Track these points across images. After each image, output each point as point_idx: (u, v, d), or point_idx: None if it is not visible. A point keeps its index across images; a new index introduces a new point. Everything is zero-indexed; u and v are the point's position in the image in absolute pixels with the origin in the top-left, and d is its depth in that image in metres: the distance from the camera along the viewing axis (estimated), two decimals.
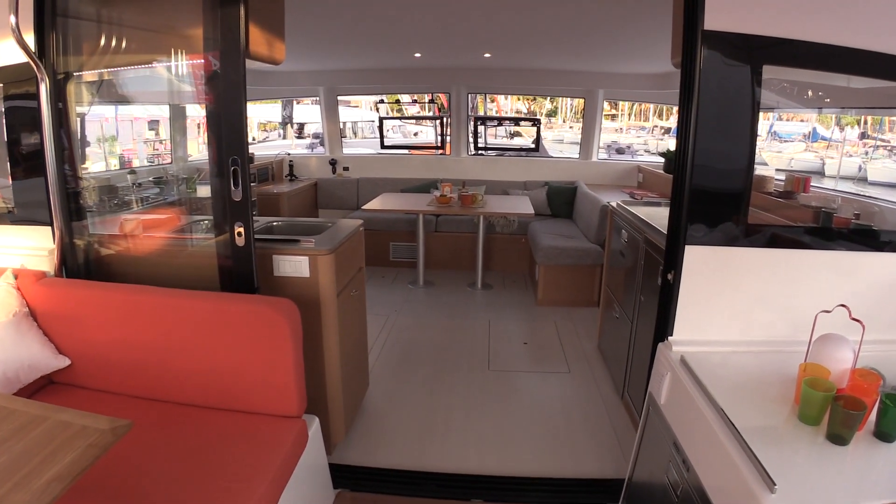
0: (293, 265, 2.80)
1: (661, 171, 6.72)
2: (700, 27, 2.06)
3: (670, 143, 27.62)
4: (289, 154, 7.69)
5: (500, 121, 7.89)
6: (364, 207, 5.70)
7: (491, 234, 6.61)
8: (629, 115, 39.56)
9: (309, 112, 17.37)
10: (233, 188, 2.46)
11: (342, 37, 4.88)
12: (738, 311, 2.30)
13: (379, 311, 5.40)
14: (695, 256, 2.25)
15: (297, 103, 15.40)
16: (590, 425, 3.55)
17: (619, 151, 13.27)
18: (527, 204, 6.06)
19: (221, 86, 2.39)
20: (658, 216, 3.79)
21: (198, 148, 5.17)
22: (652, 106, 26.07)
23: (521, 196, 6.75)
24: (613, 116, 40.93)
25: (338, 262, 2.89)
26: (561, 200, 6.94)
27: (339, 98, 7.68)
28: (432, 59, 6.08)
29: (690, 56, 2.16)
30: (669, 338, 2.37)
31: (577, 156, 7.68)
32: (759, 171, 2.20)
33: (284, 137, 20.41)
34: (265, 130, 28.07)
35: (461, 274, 6.62)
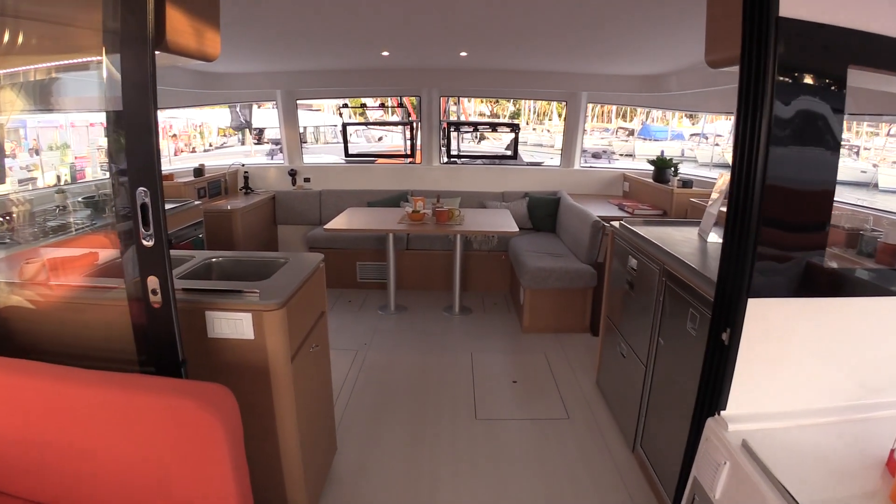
0: (232, 325, 2.15)
1: (650, 180, 6.23)
2: (773, 13, 1.51)
3: (637, 146, 27.54)
4: (243, 165, 6.96)
5: (476, 126, 7.26)
6: (327, 227, 5.04)
7: (468, 251, 6.02)
8: (592, 116, 39.73)
9: (268, 116, 16.56)
10: (142, 230, 1.80)
11: (301, 33, 4.23)
12: (812, 374, 1.81)
13: (346, 344, 4.75)
14: (760, 311, 1.70)
15: (259, 107, 14.58)
16: (600, 488, 3.00)
17: (596, 156, 12.88)
18: (508, 219, 5.47)
19: (123, 89, 1.73)
20: (672, 240, 3.27)
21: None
22: (615, 107, 25.94)
23: (500, 209, 6.17)
24: None
25: (291, 317, 2.25)
26: (543, 213, 6.38)
27: (300, 102, 7.00)
28: (401, 59, 5.43)
29: (758, 50, 1.60)
30: (722, 412, 1.83)
31: (558, 163, 7.14)
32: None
33: (243, 143, 19.55)
34: (224, 136, 27.06)
35: (436, 296, 6.01)
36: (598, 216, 5.18)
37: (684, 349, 2.63)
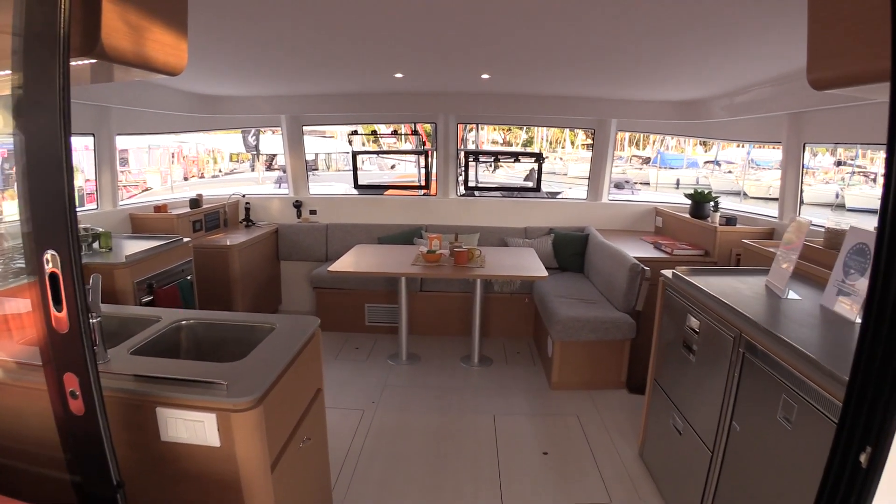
0: (191, 428, 1.59)
1: (686, 216, 5.65)
2: None
3: (650, 173, 26.98)
4: (244, 195, 6.46)
5: (497, 156, 6.72)
6: (332, 269, 4.50)
7: (488, 294, 5.45)
8: None
9: (278, 142, 16.07)
10: (53, 310, 1.26)
11: (307, 54, 3.73)
12: None
13: (351, 402, 4.18)
14: None
15: (270, 132, 14.18)
16: None
17: (618, 187, 12.33)
18: (535, 260, 4.91)
19: (22, 109, 1.20)
20: (741, 297, 2.76)
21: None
22: (628, 135, 25.52)
23: (524, 248, 5.60)
24: (590, 146, 40.89)
25: (272, 415, 1.69)
26: (570, 251, 5.81)
27: (309, 128, 6.52)
28: (416, 82, 4.92)
29: None
30: None
31: (573, 191, 6.58)
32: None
33: (253, 169, 19.21)
34: (237, 161, 26.77)
35: (452, 342, 5.43)
36: (635, 258, 4.62)
37: (773, 443, 2.08)
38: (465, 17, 2.84)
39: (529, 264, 4.78)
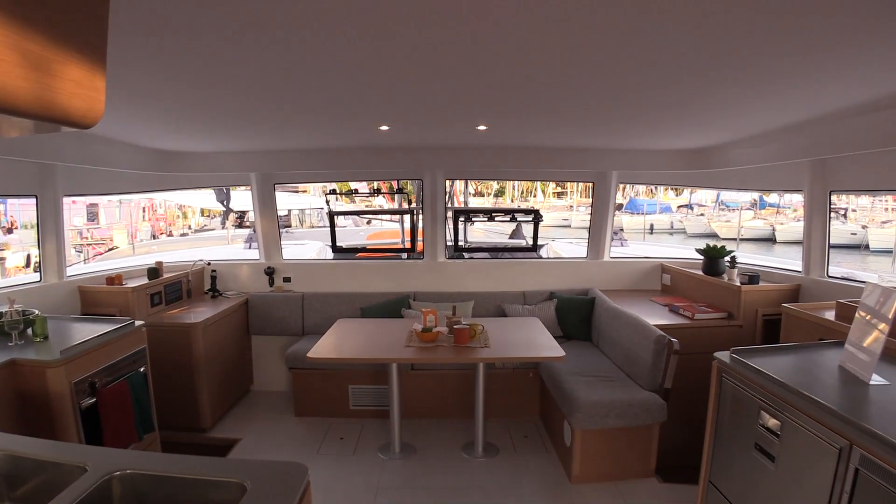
0: None
1: (697, 272, 5.17)
2: None
3: (623, 219, 26.93)
4: (209, 263, 5.79)
5: (491, 214, 6.18)
6: (311, 356, 3.84)
7: (488, 370, 4.82)
8: (576, 191, 39.71)
9: (248, 198, 15.37)
10: None
11: (280, 103, 3.18)
12: None
13: None
14: None
15: (235, 189, 13.48)
16: None
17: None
18: (544, 335, 4.32)
19: None
20: (822, 385, 2.27)
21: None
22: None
23: (527, 318, 4.99)
24: (561, 194, 41.18)
25: None
26: (575, 318, 5.24)
27: (281, 185, 5.94)
28: (403, 134, 4.37)
29: None
30: None
31: (585, 255, 6.06)
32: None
33: (224, 227, 18.46)
34: (208, 216, 25.92)
35: (450, 427, 4.77)
36: (655, 325, 4.09)
37: None
38: (462, 63, 2.34)
39: (540, 340, 4.18)
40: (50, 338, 3.28)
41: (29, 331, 3.31)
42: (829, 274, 4.41)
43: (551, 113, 3.47)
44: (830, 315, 3.48)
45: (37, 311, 3.43)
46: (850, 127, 3.58)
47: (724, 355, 2.80)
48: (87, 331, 3.35)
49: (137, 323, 3.61)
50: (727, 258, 4.98)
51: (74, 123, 1.02)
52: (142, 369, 3.57)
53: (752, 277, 4.64)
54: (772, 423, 2.37)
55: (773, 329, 4.42)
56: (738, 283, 4.62)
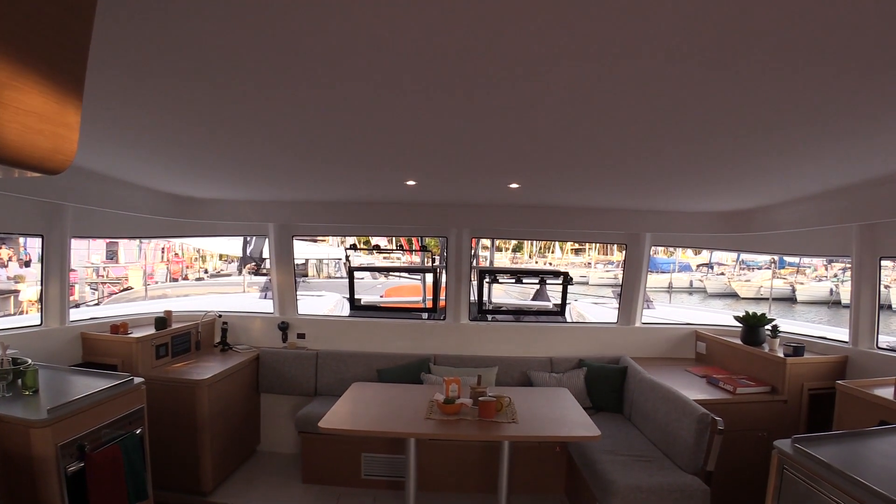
0: None
1: (735, 341, 4.84)
2: None
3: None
4: (220, 315, 5.57)
5: (518, 275, 5.91)
6: (323, 426, 3.53)
7: (513, 443, 4.47)
8: (594, 248, 39.51)
9: (266, 245, 15.09)
10: None
11: (305, 153, 3.01)
12: None
13: None
14: None
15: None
16: None
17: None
18: (577, 410, 3.96)
19: None
20: None
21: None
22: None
23: (556, 389, 4.64)
24: (579, 250, 40.99)
25: None
26: (606, 388, 4.90)
27: (299, 237, 5.75)
28: (431, 190, 4.17)
29: None
30: None
31: (616, 321, 5.74)
32: None
33: (240, 273, 18.36)
34: (226, 261, 25.89)
35: (471, 502, 4.40)
36: (694, 400, 3.77)
37: None
38: (503, 118, 2.15)
39: (572, 415, 3.84)
40: (41, 391, 3.04)
41: (20, 381, 3.08)
42: (879, 345, 4.10)
43: (587, 171, 3.26)
44: (887, 392, 3.17)
45: (30, 361, 3.19)
46: None
47: (784, 444, 2.47)
48: (82, 385, 3.12)
49: (137, 380, 3.35)
50: (768, 327, 4.66)
51: (33, 166, 0.80)
52: (138, 431, 3.28)
53: (797, 349, 4.31)
54: None
55: (820, 405, 4.10)
56: (783, 355, 4.29)
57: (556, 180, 3.65)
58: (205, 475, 4.39)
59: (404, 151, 2.83)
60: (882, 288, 4.16)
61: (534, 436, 3.59)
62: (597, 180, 3.58)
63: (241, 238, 13.18)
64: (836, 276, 26.52)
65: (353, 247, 5.73)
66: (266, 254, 14.45)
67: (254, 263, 17.32)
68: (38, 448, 2.64)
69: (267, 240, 5.68)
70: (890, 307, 18.24)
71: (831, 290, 24.31)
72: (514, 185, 3.84)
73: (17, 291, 14.39)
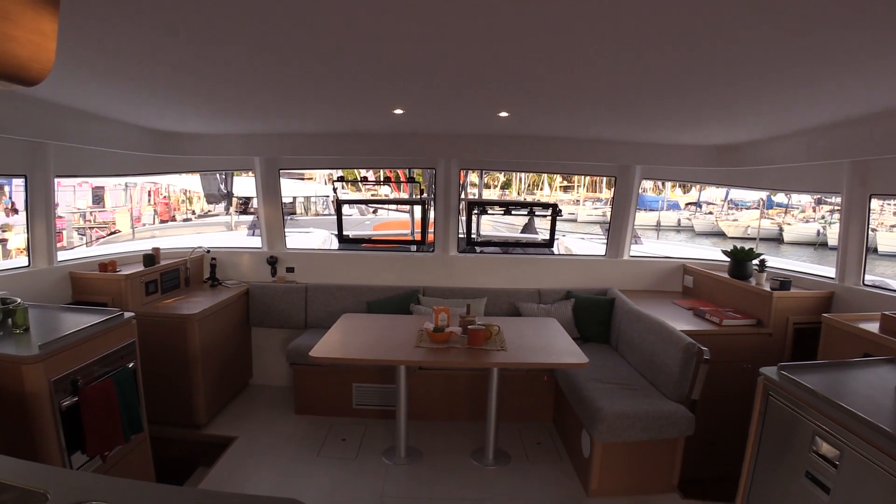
0: None
1: (723, 275, 4.89)
2: None
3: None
4: (209, 251, 5.54)
5: (508, 207, 5.87)
6: (313, 355, 3.57)
7: (501, 372, 4.55)
8: (582, 185, 39.43)
9: (252, 184, 14.77)
10: None
11: (288, 83, 2.92)
12: None
13: None
14: None
15: (239, 175, 13.16)
16: None
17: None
18: (565, 339, 4.04)
19: None
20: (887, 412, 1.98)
21: None
22: (605, 179, 25.08)
23: (545, 319, 4.71)
24: (567, 188, 40.92)
25: None
26: (593, 319, 4.97)
27: (286, 172, 5.66)
28: (419, 119, 4.08)
29: None
30: None
31: (603, 253, 5.77)
32: None
33: (228, 213, 18.21)
34: (213, 202, 25.59)
35: (459, 430, 4.53)
36: (681, 331, 3.84)
37: None
38: (490, 42, 2.08)
39: (560, 344, 3.91)
40: (31, 329, 3.02)
41: (10, 321, 3.06)
42: (866, 282, 4.14)
43: (579, 96, 3.17)
44: (872, 327, 3.21)
45: (19, 300, 3.16)
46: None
47: (770, 371, 2.52)
48: (73, 322, 3.09)
49: (127, 314, 3.34)
50: (756, 261, 4.71)
51: (10, 75, 0.76)
52: (130, 365, 3.30)
53: (784, 283, 4.36)
54: (827, 450, 2.10)
55: (805, 339, 4.16)
56: (769, 289, 4.34)
57: (546, 109, 3.58)
58: (198, 408, 4.46)
59: (392, 76, 2.74)
60: (869, 231, 4.17)
61: (523, 363, 3.68)
62: (587, 107, 3.50)
63: (203, 178, 13.01)
64: (823, 217, 26.69)
65: (340, 178, 5.64)
66: (239, 191, 14.31)
67: (240, 202, 17.16)
68: (30, 384, 2.63)
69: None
70: (876, 251, 18.46)
71: (818, 232, 24.50)
72: (503, 114, 3.77)
73: (4, 241, 14.17)
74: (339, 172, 5.74)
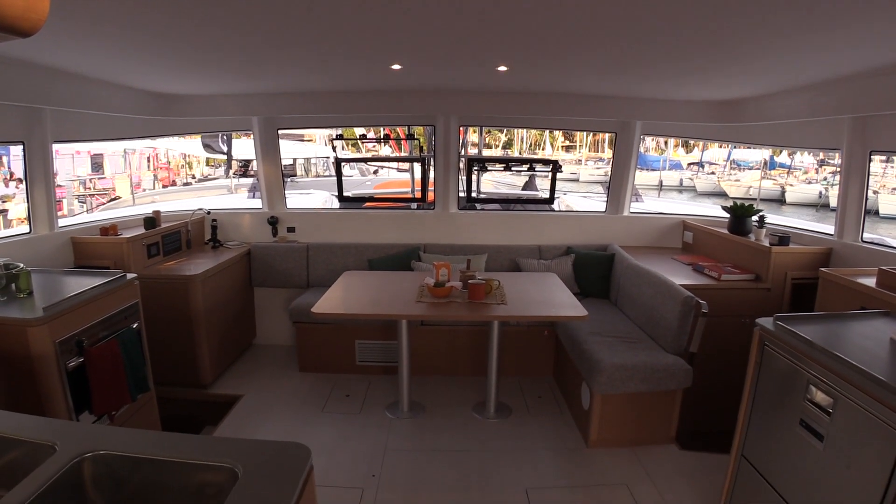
0: None
1: (723, 231, 4.90)
2: None
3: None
4: (209, 212, 5.53)
5: (508, 164, 5.82)
6: (315, 311, 3.61)
7: (502, 327, 4.60)
8: (584, 145, 39.07)
9: (251, 146, 14.57)
10: None
11: (284, 41, 2.87)
12: None
13: (347, 477, 3.36)
14: None
15: (238, 137, 13.08)
16: None
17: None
18: (564, 293, 4.07)
19: None
20: (881, 362, 2.02)
21: None
22: (607, 136, 24.83)
23: (545, 274, 4.74)
24: (570, 147, 40.56)
25: None
26: (594, 274, 5.00)
27: (284, 132, 5.62)
28: (417, 75, 4.03)
29: None
30: None
31: (604, 210, 5.76)
32: None
33: (228, 176, 18.14)
34: (214, 166, 25.46)
35: (461, 384, 4.61)
36: (680, 285, 3.86)
37: None
38: None
39: (559, 297, 3.95)
40: (35, 293, 3.04)
41: (13, 286, 3.08)
42: (864, 239, 4.14)
43: (579, 49, 3.12)
44: (869, 282, 3.23)
45: (21, 265, 3.18)
46: None
47: (766, 321, 2.55)
48: (76, 285, 3.12)
49: (129, 276, 3.37)
50: (755, 217, 4.70)
51: (6, 27, 0.75)
52: (135, 325, 3.34)
53: (783, 238, 4.36)
54: (822, 399, 2.14)
55: (803, 294, 4.18)
56: (768, 244, 4.35)
57: (545, 63, 3.52)
58: (203, 368, 4.53)
59: (388, 30, 2.70)
60: (870, 193, 4.14)
61: (522, 315, 3.71)
62: (588, 63, 3.45)
63: (205, 140, 12.89)
64: (825, 179, 26.48)
65: (339, 137, 5.60)
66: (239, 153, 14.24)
67: (240, 165, 17.08)
68: (36, 346, 2.66)
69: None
70: (877, 213, 18.34)
71: (820, 193, 24.29)
72: (502, 68, 3.71)
73: (5, 211, 14.12)
74: (339, 131, 5.68)
